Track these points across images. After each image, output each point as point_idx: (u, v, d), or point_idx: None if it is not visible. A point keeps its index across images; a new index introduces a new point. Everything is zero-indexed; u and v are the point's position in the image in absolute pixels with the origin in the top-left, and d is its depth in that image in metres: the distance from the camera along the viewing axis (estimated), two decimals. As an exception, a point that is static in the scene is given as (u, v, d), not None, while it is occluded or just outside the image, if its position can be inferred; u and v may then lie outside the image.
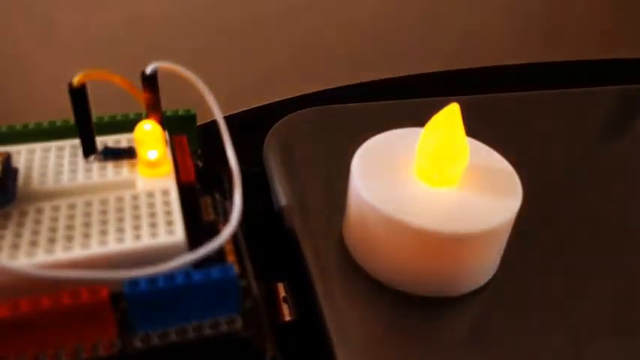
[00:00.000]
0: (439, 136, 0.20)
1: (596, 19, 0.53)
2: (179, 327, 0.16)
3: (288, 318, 0.21)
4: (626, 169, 0.29)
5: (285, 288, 0.22)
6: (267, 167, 0.29)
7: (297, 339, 0.21)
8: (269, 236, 0.25)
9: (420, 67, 0.42)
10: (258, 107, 0.38)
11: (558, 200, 0.27)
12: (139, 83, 0.19)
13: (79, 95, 0.18)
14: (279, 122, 0.31)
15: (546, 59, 0.45)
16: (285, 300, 0.22)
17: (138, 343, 0.16)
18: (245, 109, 0.37)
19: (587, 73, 0.44)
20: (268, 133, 0.31)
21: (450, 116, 0.20)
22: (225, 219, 0.21)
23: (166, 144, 0.20)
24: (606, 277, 0.23)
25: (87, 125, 0.19)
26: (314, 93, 0.39)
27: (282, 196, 0.26)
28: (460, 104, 0.21)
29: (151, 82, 0.19)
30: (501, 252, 0.22)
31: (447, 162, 0.20)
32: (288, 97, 0.38)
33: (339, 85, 0.40)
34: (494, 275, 0.22)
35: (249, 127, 0.34)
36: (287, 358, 0.18)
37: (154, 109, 0.20)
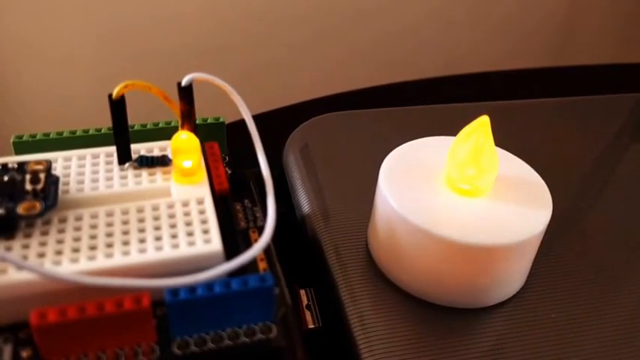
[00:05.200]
0: (470, 147, 0.20)
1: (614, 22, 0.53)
2: (215, 334, 0.17)
3: (311, 325, 0.22)
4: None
5: (308, 295, 0.22)
6: (287, 171, 0.29)
7: (321, 347, 0.21)
8: (290, 242, 0.25)
9: (443, 70, 0.42)
10: (280, 109, 0.37)
11: (585, 210, 0.26)
12: (160, 86, 0.19)
13: (118, 106, 0.18)
14: (301, 126, 0.31)
15: (566, 63, 0.45)
16: (308, 307, 0.22)
17: (176, 350, 0.16)
18: (267, 110, 0.37)
19: (604, 77, 0.43)
20: (289, 137, 0.31)
21: (480, 127, 0.20)
22: (255, 225, 0.21)
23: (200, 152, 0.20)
24: (635, 289, 0.23)
25: (124, 134, 0.19)
26: (337, 95, 0.39)
27: (304, 201, 0.26)
28: (485, 110, 0.21)
29: (187, 92, 0.19)
30: (530, 264, 0.22)
31: (477, 173, 0.20)
32: (311, 98, 0.38)
33: (363, 87, 0.40)
34: (523, 287, 0.22)
35: (270, 129, 0.34)
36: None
37: (187, 118, 0.20)
